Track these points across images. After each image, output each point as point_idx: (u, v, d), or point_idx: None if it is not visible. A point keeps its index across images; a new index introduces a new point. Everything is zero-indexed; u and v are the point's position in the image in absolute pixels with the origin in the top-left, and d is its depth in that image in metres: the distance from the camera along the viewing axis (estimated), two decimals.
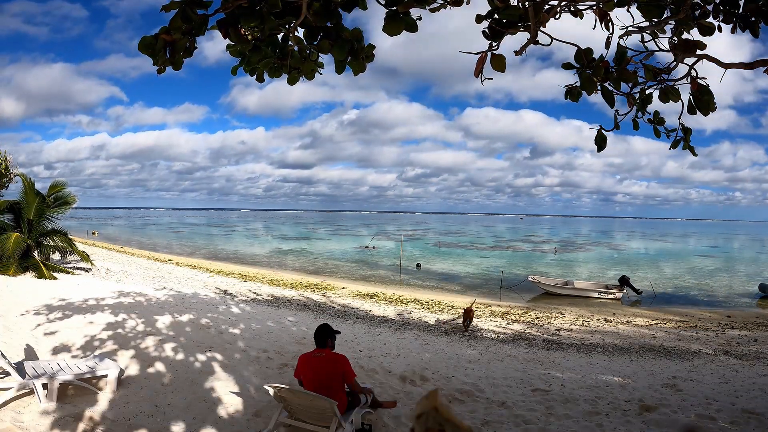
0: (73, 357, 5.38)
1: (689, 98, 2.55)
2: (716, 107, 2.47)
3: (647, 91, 2.70)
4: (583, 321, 12.25)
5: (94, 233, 43.47)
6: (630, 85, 2.64)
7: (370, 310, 12.17)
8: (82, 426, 3.73)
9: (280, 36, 2.25)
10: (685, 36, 2.53)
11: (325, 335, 4.08)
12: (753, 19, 2.48)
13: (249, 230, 67.17)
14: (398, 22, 2.05)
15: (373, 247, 36.25)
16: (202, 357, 5.91)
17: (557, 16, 2.43)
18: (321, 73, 2.40)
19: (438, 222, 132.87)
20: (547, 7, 2.34)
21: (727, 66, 2.55)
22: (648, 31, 2.64)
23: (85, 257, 12.82)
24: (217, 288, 14.02)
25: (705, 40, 2.46)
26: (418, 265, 25.41)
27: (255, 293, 13.67)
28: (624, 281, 17.57)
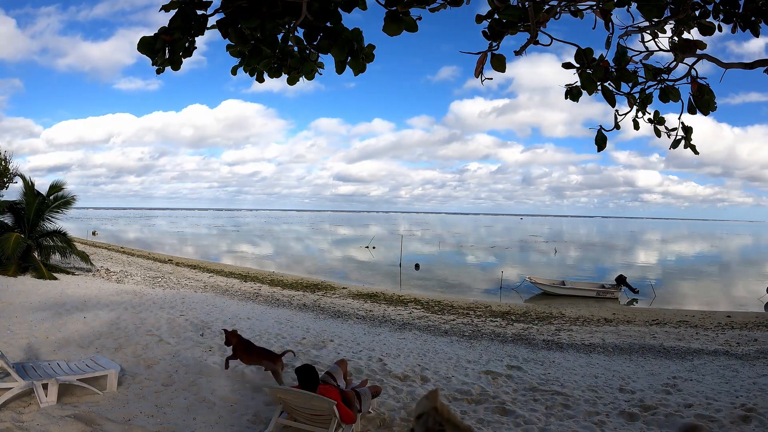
0: (73, 357, 5.38)
1: (689, 98, 2.55)
2: (716, 107, 2.48)
3: (647, 91, 2.70)
4: (582, 321, 12.24)
5: (94, 233, 43.55)
6: (630, 85, 2.65)
7: (370, 310, 12.17)
8: (82, 426, 3.72)
9: (280, 36, 2.25)
10: (685, 36, 2.53)
11: (313, 380, 3.78)
12: (753, 18, 2.48)
13: (247, 231, 67.17)
14: (398, 22, 2.05)
15: (374, 247, 36.28)
16: (202, 357, 5.91)
17: (557, 16, 2.43)
18: (321, 73, 2.40)
19: (448, 222, 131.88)
20: (547, 7, 2.34)
21: (727, 66, 2.55)
22: (648, 31, 2.64)
23: (84, 257, 12.82)
24: (217, 288, 14.02)
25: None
26: (417, 266, 25.47)
27: (255, 293, 13.67)
28: (621, 280, 17.65)
